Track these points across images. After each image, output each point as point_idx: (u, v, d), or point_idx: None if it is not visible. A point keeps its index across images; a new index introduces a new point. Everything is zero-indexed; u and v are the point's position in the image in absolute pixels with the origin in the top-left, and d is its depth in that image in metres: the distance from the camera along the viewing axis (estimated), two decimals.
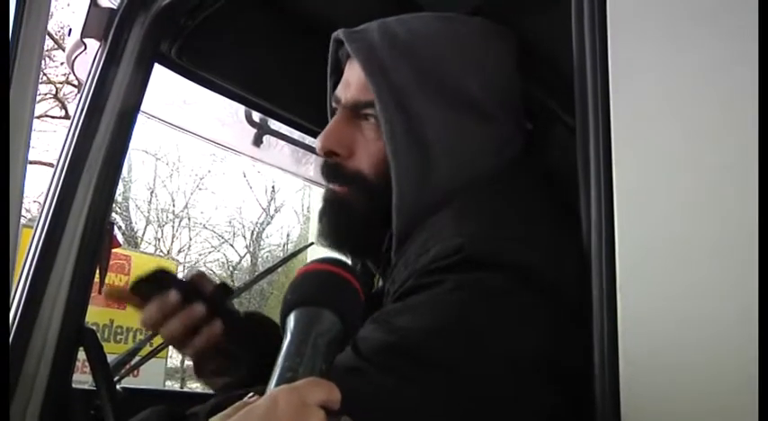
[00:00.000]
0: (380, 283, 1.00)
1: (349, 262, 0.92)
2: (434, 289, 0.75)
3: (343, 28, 1.02)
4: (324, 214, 0.99)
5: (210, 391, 1.21)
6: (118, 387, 1.19)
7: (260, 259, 13.30)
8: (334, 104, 1.01)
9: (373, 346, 0.72)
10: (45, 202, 1.18)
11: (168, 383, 10.04)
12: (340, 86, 0.99)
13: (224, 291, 1.09)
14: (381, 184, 0.92)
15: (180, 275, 1.13)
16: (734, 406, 0.58)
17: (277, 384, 0.57)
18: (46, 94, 10.98)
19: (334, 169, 0.97)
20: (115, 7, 1.25)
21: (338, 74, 1.03)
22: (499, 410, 0.71)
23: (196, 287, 1.06)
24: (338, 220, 0.97)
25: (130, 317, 7.42)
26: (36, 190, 7.51)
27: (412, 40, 0.95)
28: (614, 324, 0.67)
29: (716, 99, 0.65)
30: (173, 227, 13.42)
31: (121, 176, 1.30)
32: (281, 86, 1.53)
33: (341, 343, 0.66)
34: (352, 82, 0.97)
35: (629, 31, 0.73)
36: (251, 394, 0.57)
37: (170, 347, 1.17)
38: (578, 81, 0.78)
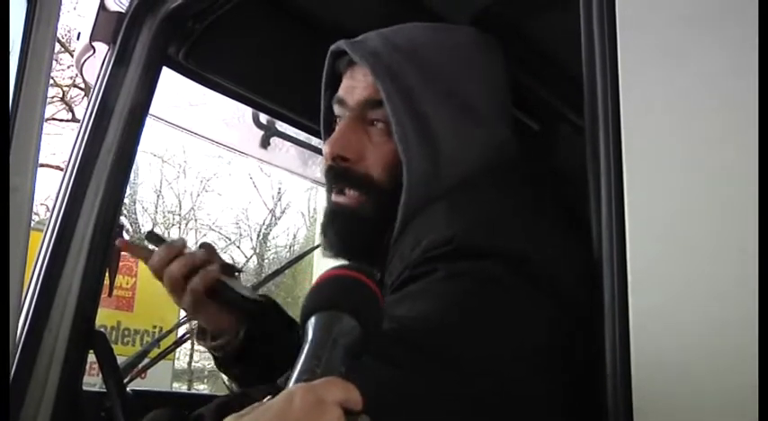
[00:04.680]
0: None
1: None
2: (427, 278, 0.78)
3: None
4: (330, 226, 0.99)
5: (217, 392, 1.21)
6: (127, 389, 1.19)
7: (266, 260, 13.30)
8: (336, 110, 1.02)
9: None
10: (55, 205, 1.19)
11: (175, 385, 10.06)
12: (342, 92, 1.01)
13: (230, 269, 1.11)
14: (391, 186, 0.94)
15: None
16: (747, 406, 0.58)
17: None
18: (53, 97, 11.02)
19: (343, 173, 0.98)
20: (123, 11, 1.26)
21: (333, 88, 1.05)
22: (495, 393, 0.72)
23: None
24: (347, 230, 0.98)
25: (138, 320, 7.44)
26: (42, 192, 7.54)
27: (413, 47, 0.98)
28: (626, 327, 0.68)
29: (725, 101, 0.66)
30: (179, 228, 13.44)
31: (129, 179, 1.30)
32: (287, 88, 1.53)
33: (360, 347, 0.65)
34: (359, 85, 0.99)
35: (638, 33, 0.73)
36: (268, 396, 0.57)
37: (178, 349, 1.17)
38: (588, 85, 0.78)
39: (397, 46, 0.98)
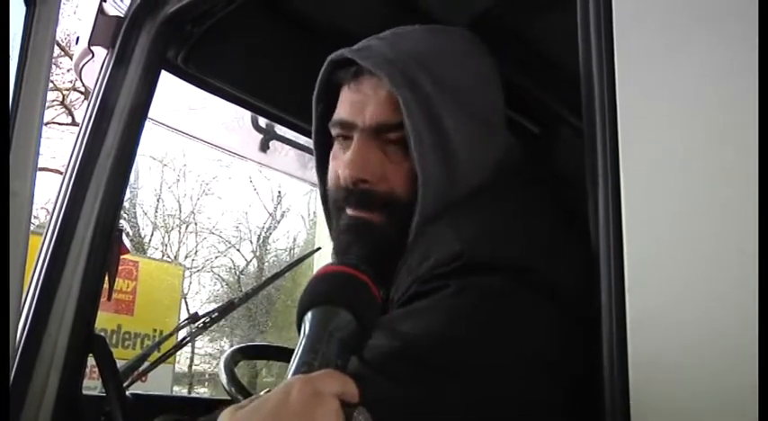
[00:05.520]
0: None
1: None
2: (436, 294, 0.76)
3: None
4: (356, 241, 0.93)
5: (218, 396, 1.21)
6: (127, 393, 1.19)
7: (267, 264, 13.28)
8: (338, 129, 0.96)
9: (377, 353, 0.72)
10: (54, 209, 1.19)
11: (176, 388, 10.04)
12: (348, 109, 0.94)
13: None
14: (408, 201, 0.90)
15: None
16: (747, 407, 0.58)
17: None
18: (53, 101, 11.03)
19: (365, 196, 0.92)
20: (122, 15, 1.26)
21: (327, 100, 0.99)
22: (503, 409, 0.71)
23: None
24: (369, 246, 0.92)
25: (138, 323, 7.44)
26: (43, 197, 7.55)
27: (422, 55, 0.93)
28: (623, 328, 0.67)
29: (722, 102, 0.65)
30: (179, 232, 13.42)
31: (129, 183, 1.30)
32: (286, 92, 1.53)
33: (357, 341, 0.67)
34: (369, 102, 0.92)
35: (635, 34, 0.73)
36: (266, 390, 0.57)
37: (178, 353, 1.17)
38: (585, 86, 0.78)
39: (405, 52, 0.93)
